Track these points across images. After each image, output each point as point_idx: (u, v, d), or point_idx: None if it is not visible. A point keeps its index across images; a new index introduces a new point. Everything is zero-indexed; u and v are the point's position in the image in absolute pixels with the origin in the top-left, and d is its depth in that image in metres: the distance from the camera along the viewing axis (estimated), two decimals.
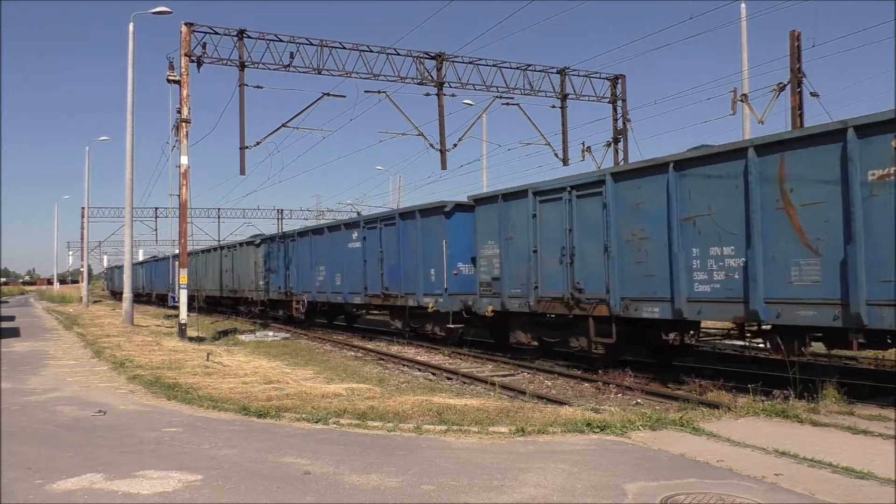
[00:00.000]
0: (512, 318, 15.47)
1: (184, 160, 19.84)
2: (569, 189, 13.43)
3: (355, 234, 21.79)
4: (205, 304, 38.93)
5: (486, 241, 15.71)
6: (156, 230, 58.69)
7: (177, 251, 46.45)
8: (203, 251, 41.16)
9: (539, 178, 18.71)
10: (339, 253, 22.74)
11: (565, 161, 25.73)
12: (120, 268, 59.60)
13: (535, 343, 15.08)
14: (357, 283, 21.46)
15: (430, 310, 17.58)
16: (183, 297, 19.95)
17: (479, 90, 24.01)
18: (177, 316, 20.74)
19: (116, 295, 62.69)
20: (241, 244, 33.32)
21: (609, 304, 12.47)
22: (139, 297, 54.69)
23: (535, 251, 14.16)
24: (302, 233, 26.37)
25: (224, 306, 37.85)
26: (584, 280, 13.12)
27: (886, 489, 5.46)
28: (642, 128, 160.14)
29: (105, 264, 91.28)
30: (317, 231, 25.01)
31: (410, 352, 18.28)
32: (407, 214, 19.13)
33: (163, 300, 45.38)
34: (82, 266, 55.25)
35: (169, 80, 20.13)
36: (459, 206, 17.32)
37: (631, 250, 12.14)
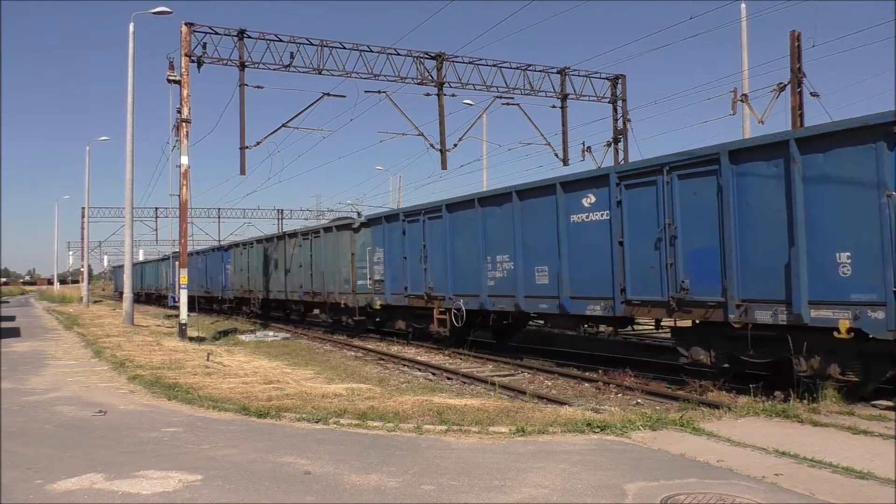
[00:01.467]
0: None
1: (184, 160, 19.86)
2: None
3: (591, 199, 13.00)
4: (259, 310, 31.46)
5: None
6: (156, 230, 59.12)
7: (215, 244, 44.72)
8: (259, 241, 31.60)
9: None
10: (547, 233, 13.91)
11: (565, 161, 25.80)
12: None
13: None
14: (596, 283, 12.81)
15: (842, 333, 8.94)
16: (183, 297, 19.98)
17: (479, 90, 24.09)
18: (177, 316, 20.77)
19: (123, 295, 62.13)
20: (325, 230, 24.58)
21: None
22: (161, 299, 53.23)
23: None
24: (454, 205, 17.05)
25: (286, 310, 30.35)
26: None
27: (886, 489, 5.45)
28: (642, 128, 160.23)
29: (105, 264, 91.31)
30: (487, 199, 15.95)
31: (410, 352, 18.29)
32: (746, 152, 10.23)
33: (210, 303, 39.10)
34: (82, 266, 55.29)
35: (169, 80, 20.16)
36: None
37: None
